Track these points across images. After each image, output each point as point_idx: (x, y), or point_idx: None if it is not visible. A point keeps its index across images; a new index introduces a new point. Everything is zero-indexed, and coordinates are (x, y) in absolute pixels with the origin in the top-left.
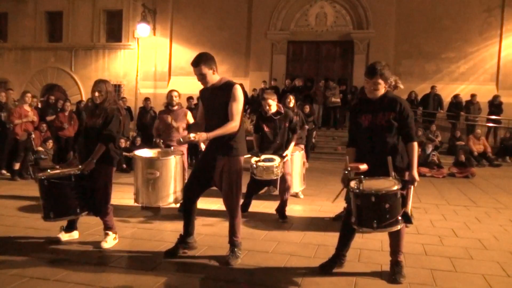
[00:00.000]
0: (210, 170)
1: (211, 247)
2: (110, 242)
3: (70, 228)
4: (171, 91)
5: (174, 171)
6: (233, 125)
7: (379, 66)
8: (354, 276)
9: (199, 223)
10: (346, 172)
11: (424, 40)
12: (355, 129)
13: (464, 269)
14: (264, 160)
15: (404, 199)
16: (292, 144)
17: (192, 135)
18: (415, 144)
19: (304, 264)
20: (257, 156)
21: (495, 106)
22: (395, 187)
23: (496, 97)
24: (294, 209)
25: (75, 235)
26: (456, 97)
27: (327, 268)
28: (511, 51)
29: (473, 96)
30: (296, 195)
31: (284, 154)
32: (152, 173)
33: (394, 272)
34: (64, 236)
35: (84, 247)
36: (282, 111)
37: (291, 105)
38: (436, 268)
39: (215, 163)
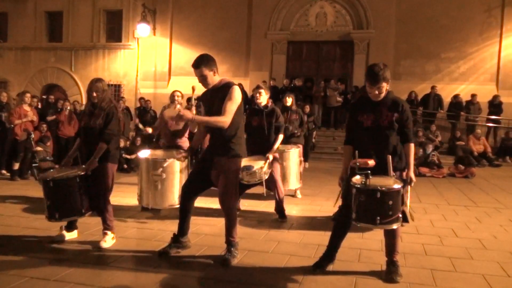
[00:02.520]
0: (208, 170)
1: (211, 247)
2: (109, 241)
3: (70, 227)
4: (174, 91)
5: (179, 172)
6: (222, 120)
7: (380, 71)
8: (354, 276)
9: (200, 222)
10: (355, 166)
11: (424, 40)
12: (354, 127)
13: (464, 269)
14: (242, 168)
15: (403, 198)
16: (277, 144)
17: (178, 107)
18: (413, 145)
19: (304, 264)
20: None
21: (495, 106)
22: (398, 185)
23: (496, 97)
24: (293, 209)
25: (74, 234)
26: (456, 97)
27: (321, 267)
28: (511, 51)
29: (473, 96)
30: (293, 195)
31: (266, 156)
32: (158, 175)
33: (390, 272)
34: (66, 235)
35: (84, 247)
36: (270, 106)
37: (288, 104)
38: (436, 268)
39: (212, 163)
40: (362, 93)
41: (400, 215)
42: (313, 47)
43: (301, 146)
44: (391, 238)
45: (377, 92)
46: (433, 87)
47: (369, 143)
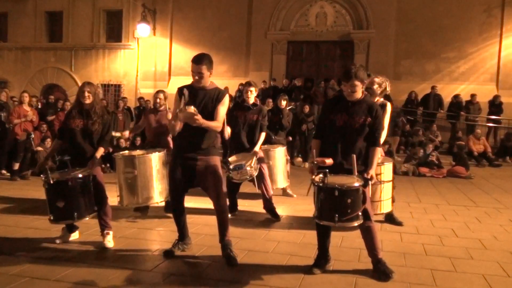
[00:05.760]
0: (190, 170)
1: (211, 247)
2: (111, 241)
3: (71, 228)
4: (157, 92)
5: (155, 168)
6: (218, 125)
7: (353, 69)
8: (354, 276)
9: (200, 222)
10: (312, 164)
11: (424, 40)
12: (326, 124)
13: (464, 269)
14: (234, 168)
15: (365, 196)
16: (260, 141)
17: (194, 108)
18: (380, 149)
19: (304, 264)
20: (227, 165)
21: (495, 106)
22: (357, 183)
23: (496, 97)
24: (293, 209)
25: (76, 235)
26: (456, 97)
27: (317, 268)
28: (511, 51)
29: (473, 96)
30: (288, 195)
31: (253, 151)
32: (129, 172)
33: (382, 270)
34: (68, 237)
35: (84, 247)
36: (258, 104)
37: (283, 106)
38: (436, 268)
39: (196, 163)
40: (340, 92)
41: (360, 213)
42: (313, 47)
43: (285, 145)
44: (368, 238)
45: (349, 90)
46: (433, 87)
47: (337, 142)
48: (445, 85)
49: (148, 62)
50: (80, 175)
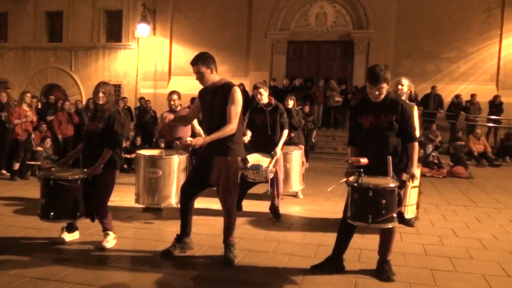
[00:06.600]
0: (207, 170)
1: (211, 247)
2: (111, 241)
3: (71, 228)
4: (170, 94)
5: (177, 170)
6: (230, 128)
7: (381, 72)
8: (354, 276)
9: (200, 222)
10: (347, 163)
11: (424, 40)
12: (355, 129)
13: (464, 269)
14: (251, 167)
15: (401, 198)
16: (282, 140)
17: (189, 139)
18: (416, 144)
19: (304, 264)
20: (244, 163)
21: (495, 106)
22: (392, 184)
23: (496, 97)
24: (294, 209)
25: (76, 235)
26: (458, 97)
27: (322, 269)
28: (511, 51)
29: (473, 96)
30: (295, 195)
31: (272, 153)
32: (154, 172)
33: (385, 271)
34: (67, 237)
35: (84, 247)
36: (273, 103)
37: (290, 106)
38: (436, 268)
39: (212, 163)
40: (362, 95)
41: (395, 215)
42: (313, 47)
43: (302, 147)
44: (386, 237)
45: (377, 92)
46: (433, 87)
47: (369, 144)
48: (445, 85)
49: (148, 62)
50: (70, 178)
